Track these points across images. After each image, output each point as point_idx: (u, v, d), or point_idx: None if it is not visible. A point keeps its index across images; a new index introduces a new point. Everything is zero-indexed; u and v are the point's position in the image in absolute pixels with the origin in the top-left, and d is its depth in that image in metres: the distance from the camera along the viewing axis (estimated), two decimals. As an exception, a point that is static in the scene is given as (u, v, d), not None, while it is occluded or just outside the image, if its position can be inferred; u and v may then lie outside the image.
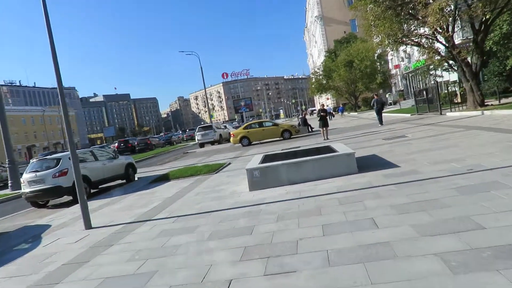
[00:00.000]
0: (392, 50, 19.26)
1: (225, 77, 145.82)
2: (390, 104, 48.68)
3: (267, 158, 8.72)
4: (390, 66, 49.81)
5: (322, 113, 16.35)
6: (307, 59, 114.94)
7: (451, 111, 18.60)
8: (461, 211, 4.09)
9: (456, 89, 27.63)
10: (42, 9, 7.13)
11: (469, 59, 16.60)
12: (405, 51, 19.45)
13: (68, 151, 9.69)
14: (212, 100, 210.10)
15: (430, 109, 22.18)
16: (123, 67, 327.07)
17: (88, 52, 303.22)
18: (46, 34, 7.09)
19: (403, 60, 43.71)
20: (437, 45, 18.35)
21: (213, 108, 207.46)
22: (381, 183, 6.09)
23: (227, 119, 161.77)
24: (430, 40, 17.59)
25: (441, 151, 8.09)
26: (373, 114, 31.97)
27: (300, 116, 28.40)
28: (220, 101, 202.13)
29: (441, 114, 19.40)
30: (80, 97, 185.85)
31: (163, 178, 12.22)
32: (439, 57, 17.85)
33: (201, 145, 29.55)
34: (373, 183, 6.21)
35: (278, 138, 22.30)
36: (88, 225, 6.83)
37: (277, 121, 77.26)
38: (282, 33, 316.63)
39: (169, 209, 7.22)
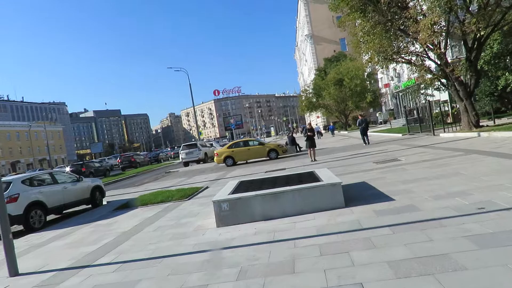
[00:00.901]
0: (382, 68, 18.47)
1: (216, 94, 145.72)
2: (381, 123, 48.13)
3: (241, 186, 7.54)
4: (380, 85, 49.51)
5: (309, 133, 15.29)
6: (298, 77, 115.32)
7: (444, 131, 17.72)
8: (483, 278, 2.94)
9: (448, 108, 27.00)
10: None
11: (462, 77, 15.81)
12: (395, 69, 18.62)
13: (26, 173, 8.43)
14: (203, 117, 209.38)
15: (422, 129, 21.34)
16: (115, 83, 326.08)
17: (80, 67, 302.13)
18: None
19: (393, 79, 43.37)
20: (429, 63, 17.63)
21: (205, 125, 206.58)
22: (373, 224, 4.93)
23: (218, 136, 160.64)
24: (422, 58, 16.84)
25: (441, 180, 6.99)
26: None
27: (289, 135, 27.35)
28: (212, 118, 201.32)
29: (434, 134, 18.52)
30: (70, 112, 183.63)
31: (129, 205, 10.94)
32: (430, 75, 17.07)
33: (186, 164, 28.23)
34: (363, 223, 5.04)
35: (264, 158, 21.17)
36: (13, 271, 5.52)
37: (267, 139, 76.31)
38: (274, 51, 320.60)
39: (118, 250, 5.96)
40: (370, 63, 18.77)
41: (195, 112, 50.68)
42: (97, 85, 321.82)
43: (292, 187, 6.33)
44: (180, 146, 32.44)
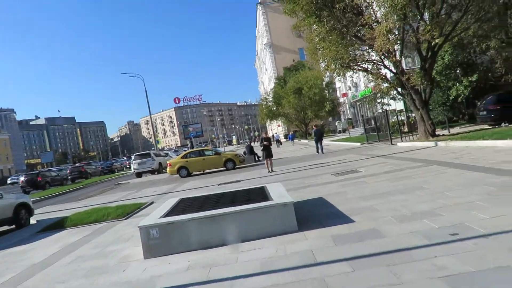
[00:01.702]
0: (339, 75, 18.13)
1: (177, 102, 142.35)
2: (340, 132, 48.67)
3: (180, 205, 6.44)
4: (339, 94, 50.21)
5: (265, 142, 14.42)
6: (259, 86, 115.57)
7: (402, 140, 17.57)
8: None
9: (404, 118, 27.41)
10: None
11: (417, 86, 15.71)
12: (351, 77, 18.40)
13: None
14: (164, 125, 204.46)
15: (379, 138, 21.28)
16: (70, 90, 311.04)
17: (31, 72, 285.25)
18: None
19: (350, 89, 44.05)
20: (385, 71, 17.51)
21: (165, 134, 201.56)
22: (329, 256, 4.02)
23: (179, 145, 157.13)
24: (377, 66, 16.65)
25: (405, 196, 6.29)
26: (323, 142, 31.09)
27: (248, 143, 26.49)
28: (172, 126, 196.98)
29: (391, 143, 18.36)
30: (19, 119, 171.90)
31: (57, 226, 9.42)
32: (387, 84, 16.91)
33: (138, 174, 26.44)
34: (318, 255, 4.12)
35: (221, 168, 20.07)
36: None
37: (228, 147, 74.98)
38: (235, 59, 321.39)
39: (13, 294, 4.64)
40: (327, 71, 18.37)
41: (151, 119, 48.73)
42: (50, 92, 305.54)
43: (234, 209, 5.31)
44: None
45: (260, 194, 6.37)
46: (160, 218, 5.47)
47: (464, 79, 21.90)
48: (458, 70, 22.75)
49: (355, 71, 18.03)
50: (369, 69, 16.99)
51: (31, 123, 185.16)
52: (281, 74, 59.70)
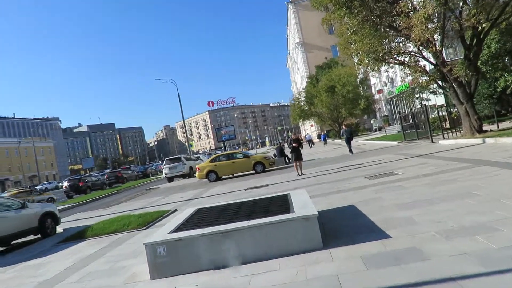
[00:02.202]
0: (373, 70, 16.98)
1: (211, 105, 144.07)
2: (375, 130, 46.70)
3: (195, 217, 5.90)
4: (374, 91, 48.18)
5: (294, 144, 13.68)
6: (291, 86, 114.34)
7: (444, 138, 16.15)
8: None
9: (445, 113, 25.55)
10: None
11: (461, 78, 14.29)
12: (387, 71, 17.08)
13: None
14: (198, 128, 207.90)
15: (418, 135, 19.79)
16: (109, 97, 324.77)
17: (74, 82, 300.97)
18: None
19: (386, 85, 42.09)
20: (423, 63, 16.19)
21: (200, 137, 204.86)
22: (358, 285, 3.29)
23: (213, 147, 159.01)
24: (415, 58, 15.37)
25: (451, 204, 5.37)
26: (357, 141, 29.92)
27: (278, 145, 25.74)
28: (207, 130, 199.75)
29: (432, 141, 16.98)
30: (64, 127, 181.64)
31: (79, 236, 9.22)
32: (426, 77, 15.58)
33: (170, 179, 26.47)
34: (344, 283, 3.39)
35: (250, 172, 19.52)
36: None
37: (261, 149, 74.41)
38: (268, 61, 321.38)
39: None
40: (360, 66, 17.28)
41: (184, 123, 49.47)
42: (92, 100, 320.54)
43: (250, 223, 4.67)
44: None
45: (282, 203, 5.69)
46: (168, 233, 4.94)
47: (513, 68, 19.98)
48: (506, 59, 20.79)
49: (390, 64, 16.81)
50: (406, 62, 15.74)
51: (75, 130, 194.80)
52: (313, 73, 58.35)
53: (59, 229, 11.50)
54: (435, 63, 14.83)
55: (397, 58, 16.13)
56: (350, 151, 19.71)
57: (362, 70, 18.59)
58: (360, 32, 14.34)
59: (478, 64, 16.93)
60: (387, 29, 14.53)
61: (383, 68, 17.49)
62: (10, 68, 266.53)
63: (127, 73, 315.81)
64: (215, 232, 4.62)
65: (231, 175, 20.03)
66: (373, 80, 47.49)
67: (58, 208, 20.80)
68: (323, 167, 15.36)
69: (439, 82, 15.73)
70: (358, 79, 46.12)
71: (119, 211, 13.88)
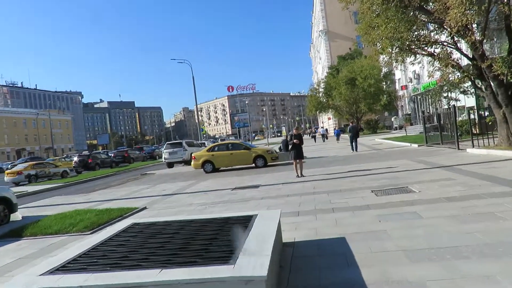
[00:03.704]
0: (396, 61, 14.64)
1: (230, 90, 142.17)
2: (396, 128, 43.91)
3: (108, 244, 4.14)
4: (398, 86, 45.11)
5: (294, 140, 11.71)
6: (312, 76, 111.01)
7: (473, 146, 13.84)
8: None
9: (475, 116, 22.87)
10: None
11: (502, 76, 11.88)
12: (413, 63, 14.62)
13: None
14: (216, 113, 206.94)
15: (443, 140, 17.44)
16: (131, 75, 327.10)
17: (98, 58, 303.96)
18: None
19: (411, 81, 39.14)
20: (457, 56, 13.81)
21: (217, 122, 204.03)
22: None
23: (230, 133, 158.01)
24: (448, 50, 12.99)
25: (492, 262, 3.40)
26: (374, 140, 27.86)
27: (284, 138, 23.77)
28: (224, 115, 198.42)
29: (458, 149, 14.70)
30: (86, 102, 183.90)
31: (17, 233, 7.67)
32: (459, 74, 13.19)
33: (169, 164, 24.95)
34: None
35: (251, 165, 17.70)
36: None
37: (275, 139, 71.99)
38: (291, 48, 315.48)
39: None
40: (383, 56, 14.92)
41: (196, 106, 47.95)
42: (114, 77, 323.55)
43: (157, 278, 2.84)
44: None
45: (234, 236, 3.84)
46: (41, 275, 3.19)
47: None
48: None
49: (417, 55, 14.46)
50: (436, 54, 13.39)
51: (95, 106, 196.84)
52: (335, 64, 55.45)
53: (17, 216, 10.03)
54: (471, 56, 12.44)
55: (425, 48, 13.77)
56: (354, 149, 19.66)
57: (384, 60, 16.23)
58: (383, 14, 12.08)
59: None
60: (416, 12, 12.20)
61: (408, 60, 15.11)
62: (36, 40, 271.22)
63: (151, 53, 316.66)
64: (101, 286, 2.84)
65: (229, 167, 18.27)
66: (397, 75, 44.46)
67: (48, 186, 19.95)
68: (328, 169, 13.39)
69: (474, 80, 13.30)
70: (382, 73, 43.21)
71: (94, 200, 12.41)
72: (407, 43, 13.04)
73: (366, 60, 39.25)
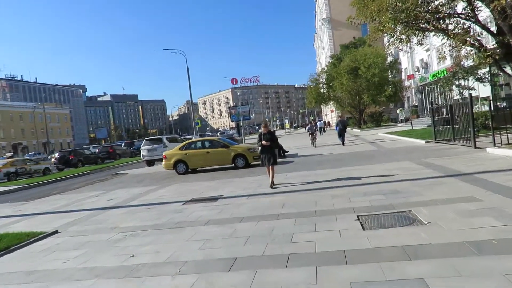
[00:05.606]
0: (400, 41, 11.93)
1: (234, 82, 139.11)
2: (401, 121, 41.01)
3: None
4: (404, 76, 42.05)
5: (263, 141, 9.14)
6: (316, 67, 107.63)
7: (495, 145, 11.11)
8: None
9: (490, 107, 20.05)
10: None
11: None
12: (420, 43, 11.86)
13: None
14: (220, 105, 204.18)
15: (455, 135, 14.62)
16: (133, 68, 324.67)
17: (101, 51, 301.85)
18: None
19: (418, 70, 36.17)
20: (476, 31, 11.07)
21: (221, 114, 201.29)
22: None
23: (232, 126, 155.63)
24: (465, 24, 10.28)
25: None
26: (377, 134, 25.53)
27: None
28: (228, 107, 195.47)
29: (475, 147, 12.03)
30: (90, 95, 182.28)
31: None
32: (480, 54, 10.42)
33: (149, 162, 22.49)
34: None
35: (230, 165, 15.22)
36: None
37: (276, 133, 68.54)
38: (295, 40, 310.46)
39: None
40: (382, 33, 12.11)
41: (191, 99, 45.18)
42: (117, 70, 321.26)
43: None
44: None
45: None
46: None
47: None
48: None
49: (426, 33, 11.73)
50: (449, 30, 10.68)
51: (99, 99, 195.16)
52: (338, 53, 52.37)
53: None
54: (495, 31, 9.73)
55: (436, 24, 11.01)
56: (342, 142, 19.95)
57: (386, 41, 13.53)
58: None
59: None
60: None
61: (415, 40, 12.36)
62: (38, 33, 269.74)
63: (154, 46, 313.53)
64: None
65: (206, 168, 15.79)
66: (404, 64, 41.41)
67: (6, 188, 17.76)
68: (313, 173, 10.85)
69: (499, 62, 10.54)
70: (387, 62, 40.20)
71: (20, 214, 10.05)
72: (413, 15, 10.33)
73: (370, 48, 36.34)
